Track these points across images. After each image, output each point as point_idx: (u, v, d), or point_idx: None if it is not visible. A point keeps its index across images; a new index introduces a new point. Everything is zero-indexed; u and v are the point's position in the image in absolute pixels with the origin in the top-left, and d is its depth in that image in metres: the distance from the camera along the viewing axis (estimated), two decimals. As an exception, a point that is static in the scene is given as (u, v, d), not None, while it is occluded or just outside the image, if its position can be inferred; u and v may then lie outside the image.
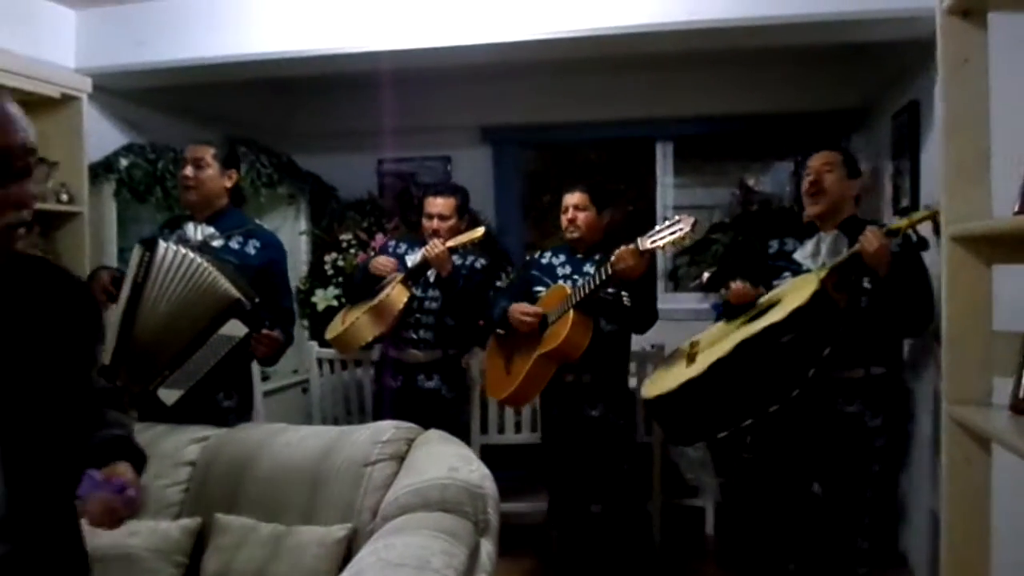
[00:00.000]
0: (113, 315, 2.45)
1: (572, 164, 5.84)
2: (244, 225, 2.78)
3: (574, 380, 3.04)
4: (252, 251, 2.72)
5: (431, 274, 3.16)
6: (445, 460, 2.05)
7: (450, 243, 3.10)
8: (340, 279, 4.29)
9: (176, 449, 2.27)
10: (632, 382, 3.31)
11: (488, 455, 3.54)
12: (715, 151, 5.28)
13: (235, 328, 2.49)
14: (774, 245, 2.83)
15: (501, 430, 3.63)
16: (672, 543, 3.61)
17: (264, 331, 2.57)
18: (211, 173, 2.69)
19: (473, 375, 3.54)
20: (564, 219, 3.10)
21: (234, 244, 2.70)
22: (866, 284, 2.55)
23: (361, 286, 3.23)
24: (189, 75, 3.52)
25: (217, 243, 2.66)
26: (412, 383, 3.24)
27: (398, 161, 5.16)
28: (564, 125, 4.97)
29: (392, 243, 3.44)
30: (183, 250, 2.47)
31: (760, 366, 2.43)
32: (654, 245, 2.74)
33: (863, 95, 4.38)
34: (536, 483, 3.60)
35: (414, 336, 3.21)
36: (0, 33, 3.13)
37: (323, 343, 3.65)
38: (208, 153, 2.69)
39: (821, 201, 2.65)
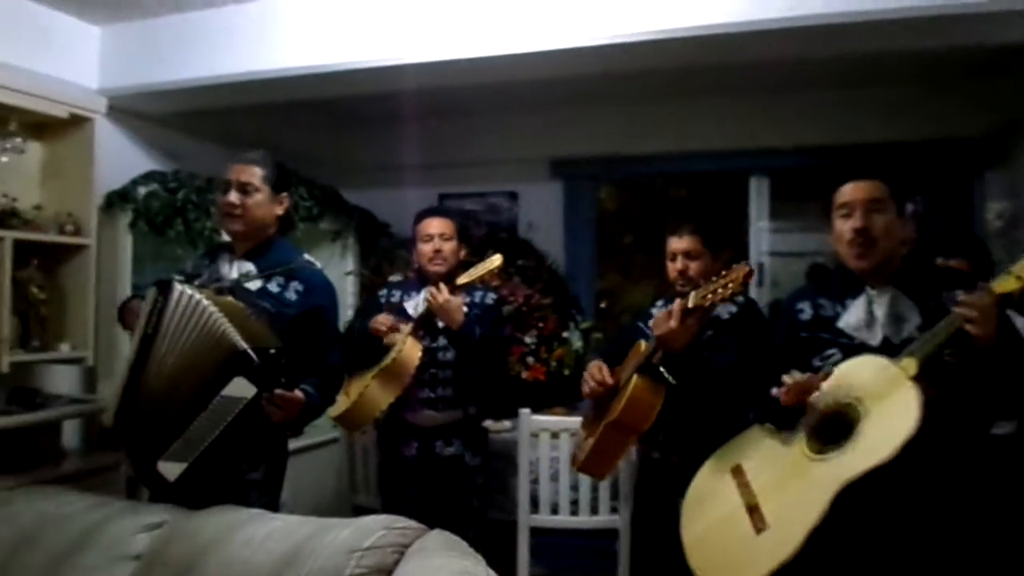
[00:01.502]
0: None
1: (655, 202, 5.28)
2: (289, 262, 2.28)
3: (660, 459, 2.54)
4: (293, 296, 2.23)
5: (441, 322, 2.71)
6: (442, 582, 1.51)
7: (462, 280, 2.63)
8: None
9: (122, 537, 1.82)
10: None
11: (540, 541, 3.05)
12: (818, 188, 4.60)
13: (242, 388, 1.99)
14: (805, 309, 2.03)
15: (555, 509, 3.06)
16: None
17: (279, 392, 2.05)
18: (260, 199, 2.24)
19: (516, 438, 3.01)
20: (672, 269, 2.53)
21: (273, 286, 2.22)
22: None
23: (363, 350, 2.74)
24: (214, 95, 3.18)
25: (254, 285, 2.21)
26: (429, 450, 2.76)
27: (461, 197, 4.73)
28: (643, 158, 4.42)
29: (383, 293, 2.97)
30: (198, 296, 2.00)
31: (876, 520, 1.76)
32: (695, 304, 2.14)
33: (1001, 119, 3.67)
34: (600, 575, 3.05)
35: (431, 395, 2.73)
36: (15, 49, 2.89)
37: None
38: (256, 176, 2.24)
39: (872, 254, 1.88)
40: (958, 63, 3.52)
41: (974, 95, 3.75)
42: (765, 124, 4.12)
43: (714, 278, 2.11)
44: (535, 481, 3.06)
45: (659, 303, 2.71)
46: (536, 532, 3.04)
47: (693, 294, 2.16)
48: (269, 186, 2.26)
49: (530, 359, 4.01)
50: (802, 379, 1.85)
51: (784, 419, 1.91)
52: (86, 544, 1.82)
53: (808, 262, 4.65)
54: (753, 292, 4.38)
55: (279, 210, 2.31)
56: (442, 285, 2.63)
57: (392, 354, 2.58)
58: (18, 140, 2.79)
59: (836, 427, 1.77)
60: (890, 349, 1.79)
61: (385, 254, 4.31)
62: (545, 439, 3.04)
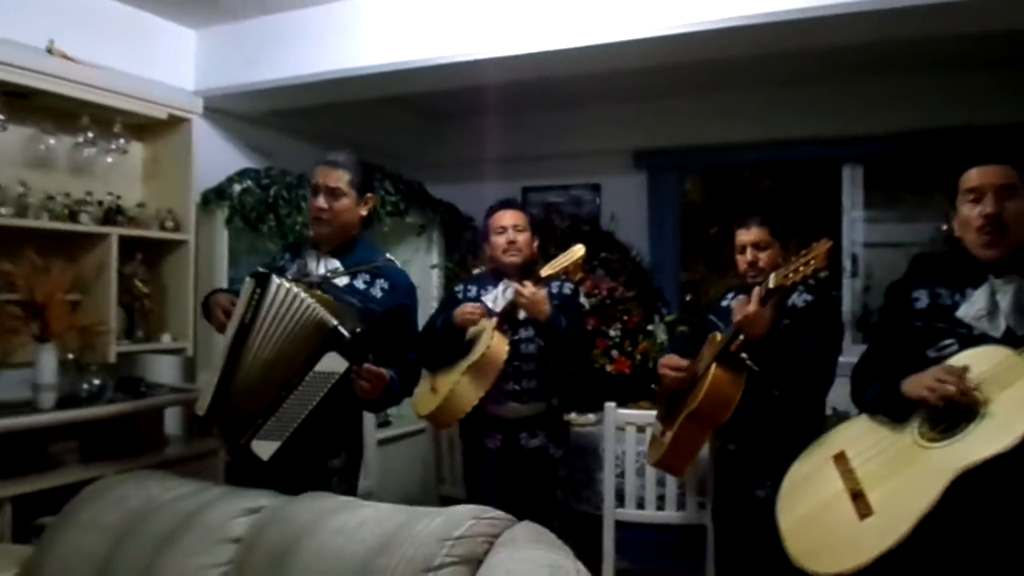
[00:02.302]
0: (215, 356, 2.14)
1: (740, 192, 5.15)
2: (373, 260, 2.34)
3: (736, 450, 2.51)
4: (379, 293, 2.27)
5: (522, 313, 2.71)
6: (531, 573, 1.51)
7: (545, 271, 2.63)
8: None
9: (222, 521, 1.88)
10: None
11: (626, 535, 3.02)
12: (915, 176, 4.40)
13: (334, 363, 2.04)
14: (922, 297, 1.90)
15: (641, 504, 3.02)
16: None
17: (367, 365, 2.09)
18: (347, 203, 2.28)
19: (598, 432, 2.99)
20: (742, 261, 2.52)
21: (359, 283, 2.27)
22: None
23: (445, 346, 2.75)
24: (302, 93, 3.28)
25: (341, 281, 2.27)
26: (514, 442, 2.77)
27: (543, 189, 4.72)
28: (729, 147, 4.33)
29: (459, 288, 2.97)
30: (295, 288, 2.07)
31: (992, 510, 1.65)
32: (777, 284, 2.11)
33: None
34: (688, 571, 3.01)
35: (515, 388, 2.74)
36: (117, 54, 3.03)
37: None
38: (343, 180, 2.29)
39: (1002, 242, 1.76)
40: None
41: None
42: (858, 110, 3.97)
43: (793, 257, 2.07)
44: (621, 475, 3.04)
45: (729, 295, 2.68)
46: (621, 526, 3.02)
47: (774, 274, 2.13)
48: (355, 190, 2.31)
49: (614, 352, 3.97)
50: (944, 374, 1.71)
51: (902, 411, 1.82)
52: (189, 527, 1.89)
53: (903, 252, 4.47)
54: (846, 283, 4.23)
55: (364, 211, 2.35)
56: (526, 281, 2.62)
57: (480, 349, 2.59)
58: (122, 141, 2.91)
59: (954, 416, 1.69)
60: (1014, 341, 1.69)
61: (469, 247, 4.33)
62: (631, 433, 3.01)
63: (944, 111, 3.79)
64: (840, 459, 1.92)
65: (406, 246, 4.29)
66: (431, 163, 4.71)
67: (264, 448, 2.05)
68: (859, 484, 1.81)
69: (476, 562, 1.60)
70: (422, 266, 4.28)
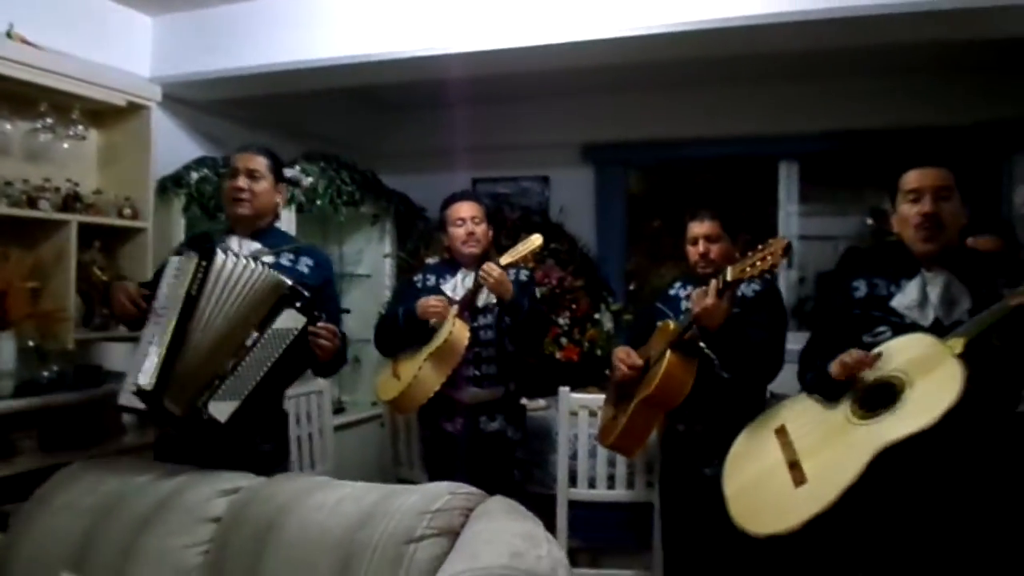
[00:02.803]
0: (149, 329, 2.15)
1: (682, 186, 5.34)
2: (291, 242, 2.48)
3: (685, 430, 2.65)
4: (306, 269, 2.39)
5: (482, 300, 2.82)
6: (508, 541, 1.62)
7: (505, 259, 2.74)
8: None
9: (201, 502, 1.94)
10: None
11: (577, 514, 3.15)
12: (847, 173, 4.66)
13: (291, 320, 2.11)
14: (860, 287, 2.10)
15: (592, 483, 3.16)
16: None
17: (321, 323, 2.18)
18: (265, 186, 2.41)
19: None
20: (693, 252, 2.64)
21: (285, 261, 2.38)
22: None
23: (407, 333, 2.84)
24: (261, 83, 3.31)
25: (267, 259, 2.33)
26: (474, 426, 2.87)
27: (493, 181, 4.82)
28: (673, 142, 4.51)
29: (418, 277, 3.06)
30: (243, 259, 2.15)
31: (907, 484, 1.85)
32: (734, 277, 2.25)
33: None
34: (635, 546, 3.16)
35: (475, 373, 2.84)
36: (71, 39, 3.01)
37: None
38: (262, 164, 2.40)
39: (938, 238, 1.94)
40: (987, 50, 3.55)
41: (1002, 83, 3.79)
42: (794, 110, 4.18)
43: (750, 252, 2.21)
44: (573, 456, 3.17)
45: (677, 284, 2.82)
46: (573, 505, 3.15)
47: (731, 268, 2.26)
48: (272, 175, 2.43)
49: (563, 340, 4.11)
50: (860, 357, 1.92)
51: (833, 391, 1.99)
52: (167, 508, 1.94)
53: (834, 245, 4.72)
54: (781, 273, 4.45)
55: (279, 199, 2.48)
56: (490, 263, 2.72)
57: (443, 336, 2.67)
58: (80, 128, 2.90)
59: (881, 397, 1.86)
60: (940, 330, 1.88)
61: (421, 237, 4.40)
62: (584, 416, 3.14)
63: (874, 113, 4.04)
64: (781, 432, 2.10)
65: (360, 235, 4.34)
66: (383, 154, 4.75)
67: (221, 409, 2.07)
68: (796, 455, 1.99)
69: (454, 533, 1.71)
70: (375, 255, 4.33)
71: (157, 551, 1.86)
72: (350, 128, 4.58)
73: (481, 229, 2.89)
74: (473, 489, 1.86)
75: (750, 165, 4.69)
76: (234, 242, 2.39)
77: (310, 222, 3.92)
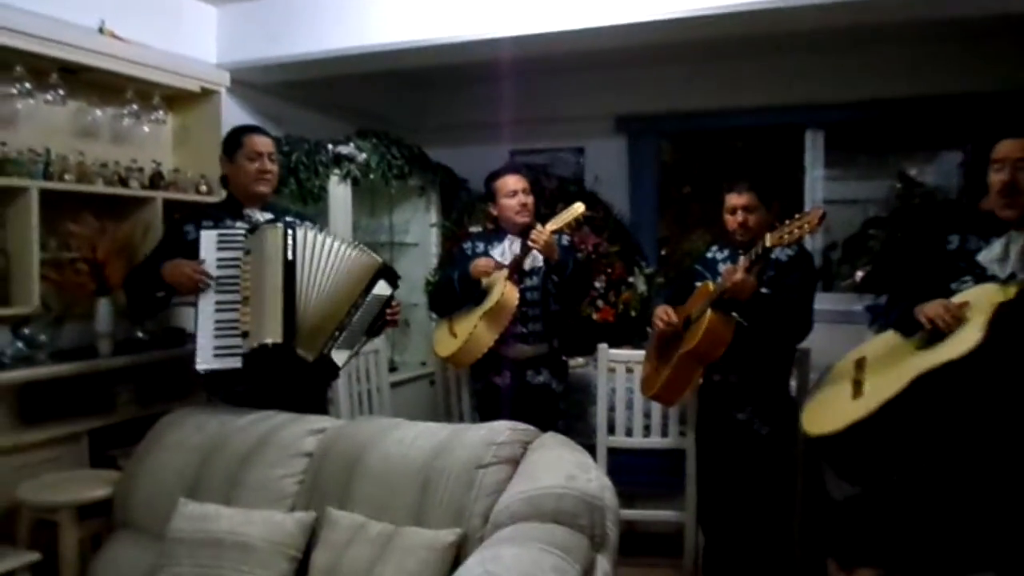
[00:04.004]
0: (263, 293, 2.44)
1: (711, 155, 5.54)
2: (290, 211, 2.84)
3: (721, 380, 2.90)
4: None
5: (528, 264, 3.07)
6: (562, 467, 1.91)
7: (551, 225, 2.97)
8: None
9: (294, 440, 2.25)
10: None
11: (615, 460, 3.43)
12: (871, 140, 4.83)
13: (383, 288, 2.63)
14: (954, 241, 2.35)
15: (629, 432, 3.44)
16: (814, 564, 3.31)
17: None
18: (277, 167, 2.76)
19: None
20: (732, 221, 2.86)
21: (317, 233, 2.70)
22: None
23: (462, 294, 3.12)
24: (318, 68, 3.56)
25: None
26: (522, 379, 3.14)
27: (530, 152, 5.05)
28: (703, 113, 4.69)
29: (468, 245, 3.32)
30: (310, 231, 2.54)
31: (942, 409, 2.08)
32: (773, 243, 2.47)
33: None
34: (669, 491, 3.44)
35: (523, 330, 3.10)
36: (144, 29, 3.26)
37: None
38: (273, 147, 2.74)
39: (1018, 203, 2.15)
40: (1008, 21, 3.70)
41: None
42: (820, 80, 4.35)
43: (787, 221, 2.44)
44: (611, 408, 3.44)
45: (714, 248, 3.04)
46: (612, 452, 3.42)
47: (769, 236, 2.49)
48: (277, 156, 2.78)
49: (600, 302, 4.37)
50: (943, 310, 2.11)
51: (912, 328, 2.22)
52: (265, 445, 2.25)
53: (860, 209, 4.91)
54: (808, 237, 4.64)
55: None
56: (539, 228, 2.96)
57: (495, 296, 2.94)
58: (160, 112, 3.19)
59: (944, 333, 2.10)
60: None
61: (465, 207, 4.66)
62: (621, 371, 3.40)
63: (897, 82, 4.19)
64: (861, 361, 2.36)
65: (408, 206, 4.61)
66: (426, 128, 5.00)
67: (340, 356, 2.56)
68: (863, 376, 2.27)
69: (515, 462, 2.00)
70: (422, 225, 4.61)
71: (259, 480, 2.18)
72: (394, 105, 4.84)
73: (531, 200, 3.14)
74: (529, 426, 2.15)
75: (777, 133, 4.87)
76: (256, 213, 2.68)
77: (359, 194, 4.19)
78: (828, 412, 2.28)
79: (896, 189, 4.92)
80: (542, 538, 1.66)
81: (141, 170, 3.13)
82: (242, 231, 2.52)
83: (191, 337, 3.31)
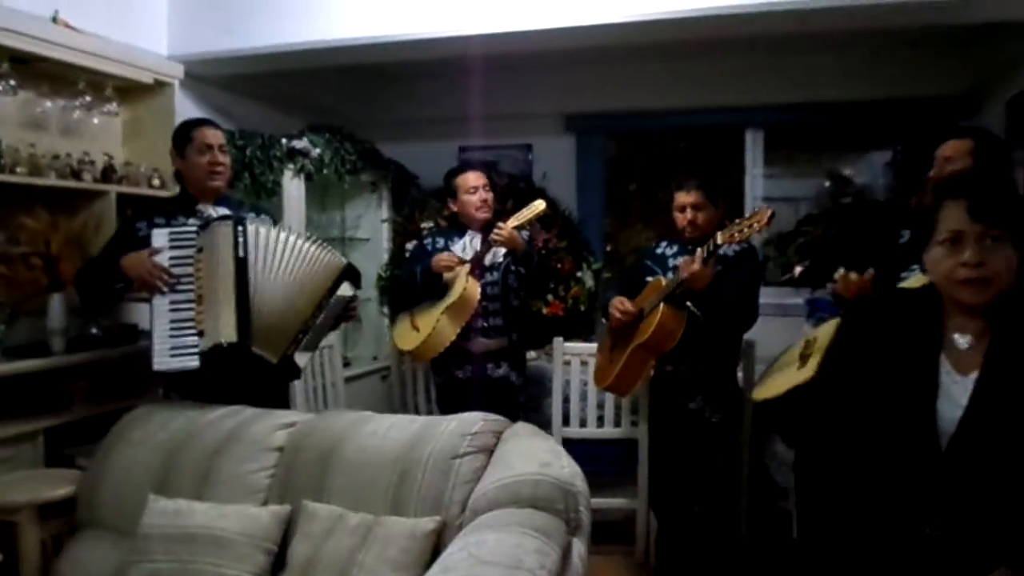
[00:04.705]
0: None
1: (656, 153, 5.69)
2: (244, 206, 2.81)
3: (673, 371, 3.02)
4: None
5: (489, 260, 3.15)
6: (536, 455, 1.98)
7: (513, 221, 3.05)
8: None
9: (264, 435, 2.26)
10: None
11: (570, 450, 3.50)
12: (807, 140, 5.06)
13: (345, 289, 2.61)
14: (905, 235, 2.55)
15: (583, 423, 3.54)
16: (759, 547, 3.47)
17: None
18: (229, 160, 2.72)
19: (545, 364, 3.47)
20: (681, 219, 2.97)
21: (249, 221, 2.64)
22: None
23: (424, 289, 3.17)
24: (276, 62, 3.53)
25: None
26: (483, 372, 3.21)
27: (480, 149, 5.11)
28: (649, 113, 4.84)
29: (428, 240, 3.38)
30: (264, 227, 2.51)
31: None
32: (723, 241, 2.61)
33: (971, 80, 4.12)
34: (621, 479, 3.54)
35: (483, 324, 3.17)
36: (96, 19, 3.19)
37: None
38: (224, 138, 2.71)
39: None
40: (936, 34, 3.94)
41: (948, 61, 4.20)
42: (761, 82, 4.53)
43: (738, 220, 2.57)
44: (566, 400, 3.53)
45: (663, 244, 3.16)
46: (566, 442, 3.50)
47: (720, 234, 2.61)
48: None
49: (549, 297, 4.46)
50: (855, 279, 2.38)
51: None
52: (234, 440, 2.25)
53: (795, 206, 5.13)
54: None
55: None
56: (501, 223, 3.03)
57: (457, 291, 3.00)
58: (113, 104, 3.13)
59: None
60: None
61: (416, 203, 4.69)
62: (575, 364, 3.50)
63: (832, 86, 4.41)
64: (811, 341, 2.57)
65: (360, 202, 4.61)
66: (375, 123, 4.99)
67: (302, 359, 2.54)
68: (810, 350, 2.48)
69: (489, 451, 2.07)
70: (373, 220, 4.62)
71: (230, 475, 2.18)
72: (344, 100, 4.82)
73: (491, 196, 3.21)
74: (500, 417, 2.21)
75: (719, 133, 5.06)
76: (208, 208, 2.65)
77: (312, 189, 4.17)
78: (775, 383, 2.52)
79: (827, 188, 5.17)
80: (522, 522, 1.73)
81: (93, 163, 3.07)
82: (194, 228, 2.48)
83: (144, 333, 3.29)
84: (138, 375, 3.17)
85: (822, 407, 1.63)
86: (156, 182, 3.27)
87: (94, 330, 3.00)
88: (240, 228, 2.45)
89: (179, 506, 2.08)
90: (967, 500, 1.42)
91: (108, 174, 3.08)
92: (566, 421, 3.51)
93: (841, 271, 2.44)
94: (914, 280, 2.32)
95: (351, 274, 2.62)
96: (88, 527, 2.29)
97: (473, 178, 3.19)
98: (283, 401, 2.79)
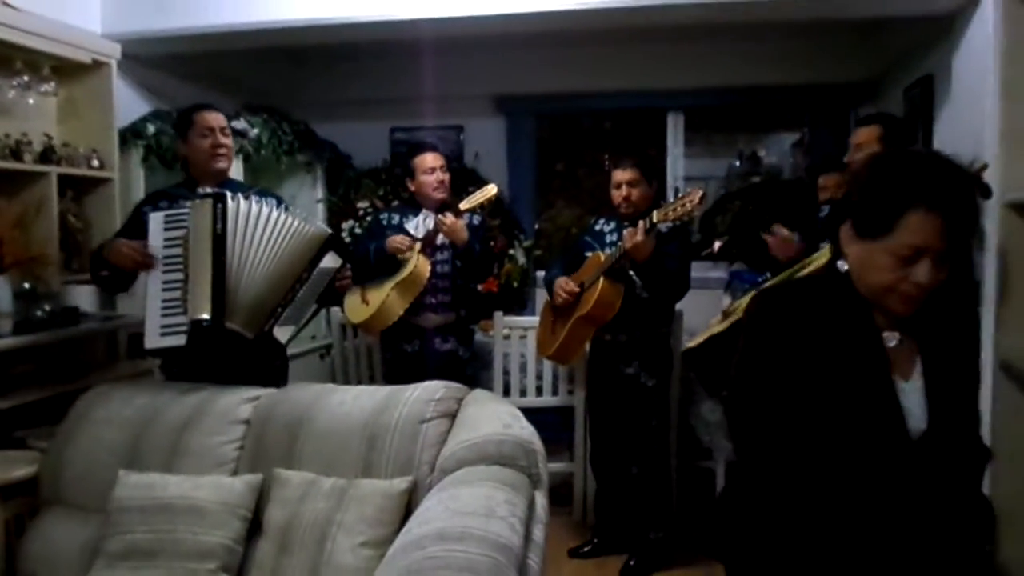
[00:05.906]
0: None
1: (584, 133, 5.89)
2: (248, 187, 2.80)
3: (611, 340, 3.20)
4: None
5: (440, 240, 3.26)
6: (498, 417, 2.13)
7: (464, 205, 3.18)
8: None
9: (230, 408, 2.32)
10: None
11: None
12: (724, 122, 5.35)
13: (332, 260, 2.58)
14: (825, 209, 2.86)
15: (523, 393, 3.71)
16: (687, 504, 3.73)
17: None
18: (231, 142, 2.74)
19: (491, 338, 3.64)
20: (617, 195, 3.15)
21: (253, 203, 2.62)
22: None
23: (377, 266, 3.25)
24: (211, 42, 3.53)
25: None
26: (429, 346, 3.32)
27: (411, 130, 5.19)
28: (577, 95, 5.02)
29: (384, 216, 3.47)
30: (245, 202, 2.45)
31: None
32: (659, 220, 2.82)
33: (872, 68, 4.45)
34: (559, 445, 3.74)
35: (432, 300, 3.28)
36: (37, -1, 3.13)
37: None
38: (226, 121, 2.72)
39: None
40: (841, 24, 4.24)
41: (851, 49, 4.53)
42: (682, 67, 4.77)
43: (671, 200, 2.78)
44: (506, 372, 3.70)
45: (601, 221, 3.35)
46: (508, 412, 3.68)
47: (656, 213, 2.81)
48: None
49: (484, 273, 4.61)
50: (787, 235, 2.77)
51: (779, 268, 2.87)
52: (201, 413, 2.31)
53: (713, 184, 5.42)
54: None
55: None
56: (447, 214, 3.15)
57: (408, 269, 3.11)
58: (51, 84, 3.09)
59: None
60: None
61: (350, 183, 4.74)
62: (515, 337, 3.67)
63: (746, 72, 4.68)
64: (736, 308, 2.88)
65: (294, 182, 4.64)
66: (311, 104, 5.01)
67: (284, 333, 2.56)
68: (731, 309, 2.83)
69: (452, 416, 2.21)
70: (308, 201, 4.65)
71: (199, 448, 2.25)
72: (276, 80, 4.82)
73: (448, 177, 3.32)
74: (460, 385, 2.36)
75: (642, 115, 5.29)
76: (207, 190, 2.64)
77: (248, 171, 4.18)
78: (700, 336, 2.81)
79: (736, 168, 5.49)
80: (491, 477, 1.88)
81: (31, 143, 3.04)
82: (187, 209, 2.48)
83: (84, 316, 3.28)
84: (79, 359, 3.18)
85: (750, 405, 1.45)
86: (95, 163, 3.24)
87: (39, 313, 2.98)
88: (220, 204, 2.43)
89: (152, 479, 2.15)
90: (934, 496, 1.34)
91: (47, 155, 3.04)
92: (507, 391, 3.68)
93: (776, 227, 2.69)
94: (821, 256, 2.59)
95: (336, 243, 2.59)
96: (53, 505, 2.31)
97: (431, 159, 3.29)
98: (275, 381, 2.69)
